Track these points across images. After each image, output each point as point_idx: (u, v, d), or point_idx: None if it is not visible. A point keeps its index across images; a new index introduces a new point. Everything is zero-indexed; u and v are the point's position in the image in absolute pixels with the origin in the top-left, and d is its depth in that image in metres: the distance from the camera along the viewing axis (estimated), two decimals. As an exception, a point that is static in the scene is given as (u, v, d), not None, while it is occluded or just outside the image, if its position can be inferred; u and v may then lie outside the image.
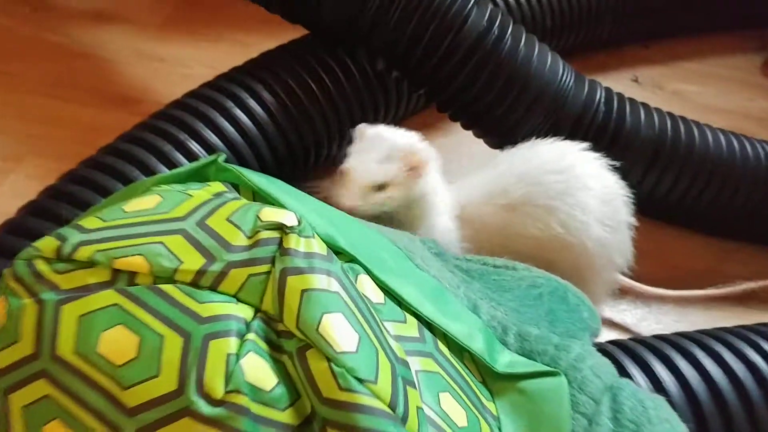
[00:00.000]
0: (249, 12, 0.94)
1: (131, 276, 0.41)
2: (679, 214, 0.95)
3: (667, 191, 0.90)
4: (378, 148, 0.68)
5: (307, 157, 0.88)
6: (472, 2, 0.80)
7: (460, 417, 0.45)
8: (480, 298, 0.59)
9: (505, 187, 0.73)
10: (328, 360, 0.38)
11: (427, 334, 0.51)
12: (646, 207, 0.94)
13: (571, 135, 0.84)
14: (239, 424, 0.35)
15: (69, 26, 1.16)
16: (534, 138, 0.83)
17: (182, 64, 1.08)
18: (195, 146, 0.76)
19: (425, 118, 1.13)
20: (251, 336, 0.39)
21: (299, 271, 0.41)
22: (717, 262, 1.00)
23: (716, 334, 0.71)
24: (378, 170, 0.67)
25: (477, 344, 0.51)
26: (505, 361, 0.52)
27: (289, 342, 0.39)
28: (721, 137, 0.92)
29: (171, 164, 0.73)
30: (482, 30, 0.79)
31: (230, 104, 0.81)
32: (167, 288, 0.40)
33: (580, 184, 0.72)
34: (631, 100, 0.91)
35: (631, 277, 0.84)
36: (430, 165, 0.70)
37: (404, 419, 0.40)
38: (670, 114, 0.92)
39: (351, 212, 0.61)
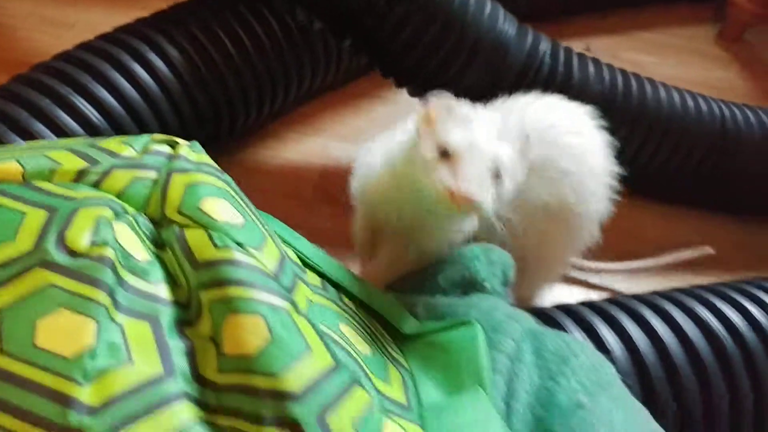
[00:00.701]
0: None
1: None
2: (631, 177, 0.88)
3: (619, 151, 0.83)
4: (482, 126, 0.50)
5: (219, 119, 0.79)
6: (397, -60, 0.71)
7: (362, 345, 0.40)
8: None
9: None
10: (207, 228, 0.35)
11: (331, 288, 0.45)
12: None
13: (515, 88, 0.76)
14: (101, 274, 0.31)
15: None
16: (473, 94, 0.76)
17: (94, 30, 0.96)
18: (80, 101, 0.66)
19: (363, 87, 1.04)
20: (130, 218, 0.35)
21: (185, 171, 0.38)
22: (670, 230, 0.93)
23: (668, 294, 0.64)
24: (498, 148, 0.49)
25: (384, 309, 0.48)
26: (414, 324, 0.48)
27: (169, 231, 0.35)
28: (675, 94, 0.85)
29: (49, 121, 0.63)
30: (410, -29, 0.71)
31: (126, 57, 0.71)
32: (40, 183, 0.35)
33: (592, 147, 0.63)
34: (580, 54, 0.83)
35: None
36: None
37: (290, 289, 0.36)
38: (622, 70, 0.86)
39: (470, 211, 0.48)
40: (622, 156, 0.84)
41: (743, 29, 1.36)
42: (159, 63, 0.72)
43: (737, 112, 0.87)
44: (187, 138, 0.76)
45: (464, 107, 0.51)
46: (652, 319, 0.58)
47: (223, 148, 0.88)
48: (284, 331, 0.32)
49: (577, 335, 0.55)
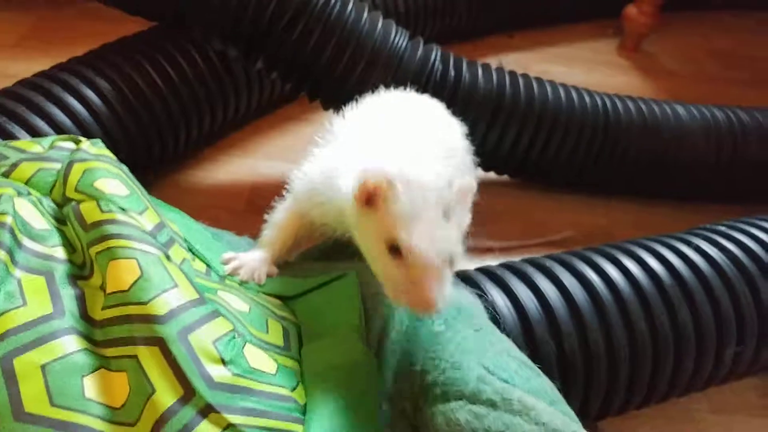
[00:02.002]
0: (105, 29, 0.95)
1: None
2: (529, 169, 0.97)
3: (512, 145, 0.93)
4: (433, 206, 0.44)
5: (149, 144, 0.87)
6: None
7: (240, 305, 0.46)
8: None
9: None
10: (97, 199, 0.42)
11: (214, 274, 0.52)
12: (495, 164, 0.97)
13: (414, 87, 0.85)
14: (0, 236, 0.37)
15: None
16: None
17: (34, 79, 1.05)
18: (16, 129, 0.73)
19: (290, 111, 1.14)
20: (33, 198, 0.42)
21: (85, 160, 0.46)
22: (578, 215, 1.03)
23: (555, 256, 0.72)
24: (450, 232, 0.45)
25: (266, 283, 0.54)
26: (296, 286, 0.54)
27: (68, 207, 0.43)
28: (560, 89, 0.96)
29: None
30: (307, -5, 0.81)
31: (59, 89, 0.79)
32: None
33: (455, 127, 0.71)
34: (469, 60, 0.94)
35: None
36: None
37: (166, 245, 0.43)
38: (510, 71, 0.96)
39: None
40: (516, 149, 0.94)
41: (640, 39, 1.50)
42: (90, 93, 0.80)
43: (617, 101, 0.98)
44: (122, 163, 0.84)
45: (409, 182, 0.44)
46: (535, 275, 0.65)
47: (161, 171, 0.96)
48: (154, 269, 0.39)
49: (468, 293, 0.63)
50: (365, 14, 0.86)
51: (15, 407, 0.34)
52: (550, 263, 0.68)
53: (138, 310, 0.37)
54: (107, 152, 0.49)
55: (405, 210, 0.43)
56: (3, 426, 0.34)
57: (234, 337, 0.40)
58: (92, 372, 0.37)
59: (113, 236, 0.40)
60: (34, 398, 0.35)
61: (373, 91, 0.85)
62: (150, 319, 0.37)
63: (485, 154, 0.94)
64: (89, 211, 0.42)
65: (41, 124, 0.76)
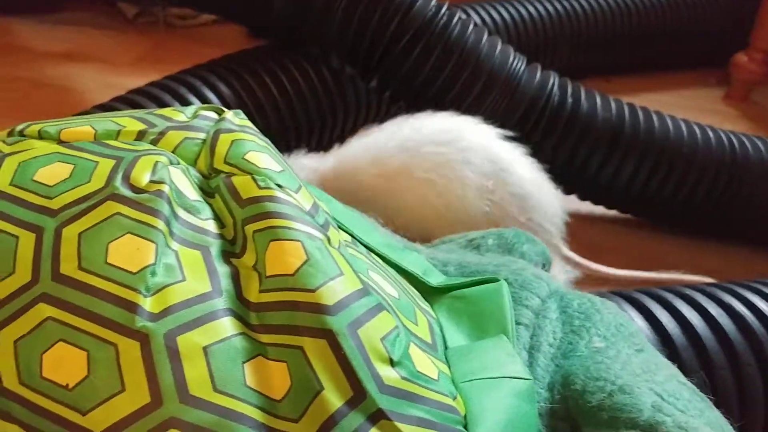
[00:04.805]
0: (214, 53, 0.99)
1: None
2: (642, 205, 0.92)
3: (629, 179, 0.88)
4: None
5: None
6: (418, -11, 0.82)
7: (391, 290, 0.43)
8: (420, 250, 0.59)
9: (383, 156, 0.71)
10: (251, 173, 0.39)
11: (361, 246, 0.49)
12: (608, 198, 0.93)
13: (526, 117, 0.84)
14: (159, 205, 0.36)
15: (38, 64, 1.19)
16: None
17: (149, 93, 1.09)
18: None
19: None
20: (183, 167, 0.41)
21: (231, 131, 0.44)
22: (691, 257, 0.96)
23: (696, 286, 0.66)
24: None
25: (411, 267, 0.51)
26: (441, 279, 0.51)
27: (217, 179, 0.40)
28: (681, 123, 0.92)
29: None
30: (429, 15, 0.81)
31: (184, 90, 0.82)
32: (108, 141, 0.41)
33: (460, 157, 0.70)
34: (587, 89, 0.91)
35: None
36: None
37: (324, 227, 0.40)
38: (628, 102, 0.93)
39: None
40: (632, 183, 0.89)
41: (748, 89, 1.44)
42: (212, 96, 0.83)
43: (745, 139, 0.93)
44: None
45: None
46: (675, 301, 0.60)
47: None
48: (319, 254, 0.36)
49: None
50: (485, 37, 0.85)
51: (180, 389, 0.32)
52: (690, 291, 0.62)
53: (306, 298, 0.34)
54: (250, 123, 0.48)
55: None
56: (167, 407, 0.31)
57: (399, 335, 0.36)
58: (251, 359, 0.33)
59: (274, 215, 0.37)
60: (197, 381, 0.31)
61: (488, 115, 0.83)
62: (318, 308, 0.34)
63: (598, 188, 0.90)
64: (244, 185, 0.39)
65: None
